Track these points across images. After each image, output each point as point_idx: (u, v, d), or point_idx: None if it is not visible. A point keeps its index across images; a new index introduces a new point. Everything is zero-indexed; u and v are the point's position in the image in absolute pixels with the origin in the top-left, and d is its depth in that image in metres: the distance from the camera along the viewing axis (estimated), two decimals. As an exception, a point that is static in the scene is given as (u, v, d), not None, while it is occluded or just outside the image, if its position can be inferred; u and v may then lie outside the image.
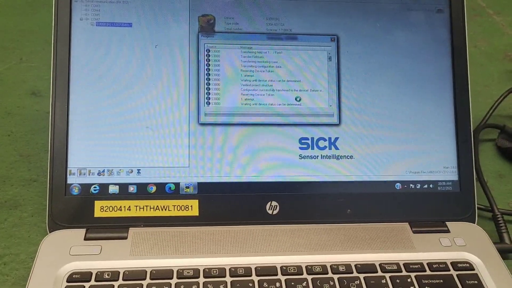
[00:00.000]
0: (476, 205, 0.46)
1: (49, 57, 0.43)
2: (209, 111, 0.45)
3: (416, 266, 0.41)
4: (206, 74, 0.45)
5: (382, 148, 0.46)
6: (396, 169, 0.46)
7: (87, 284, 0.38)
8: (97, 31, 0.44)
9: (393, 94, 0.47)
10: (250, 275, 0.39)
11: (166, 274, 0.39)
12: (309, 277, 0.39)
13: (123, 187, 0.43)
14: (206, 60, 0.45)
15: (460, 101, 0.47)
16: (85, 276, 0.38)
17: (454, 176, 0.46)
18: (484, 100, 0.63)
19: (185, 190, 0.43)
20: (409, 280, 0.40)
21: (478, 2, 0.86)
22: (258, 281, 0.39)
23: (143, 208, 0.43)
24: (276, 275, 0.39)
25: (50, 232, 0.41)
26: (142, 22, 0.44)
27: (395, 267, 0.40)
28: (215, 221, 0.43)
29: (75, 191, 0.43)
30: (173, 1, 0.45)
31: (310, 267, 0.40)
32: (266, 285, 0.38)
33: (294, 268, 0.40)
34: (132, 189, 0.43)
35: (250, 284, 0.38)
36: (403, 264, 0.41)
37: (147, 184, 0.43)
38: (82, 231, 0.41)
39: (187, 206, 0.43)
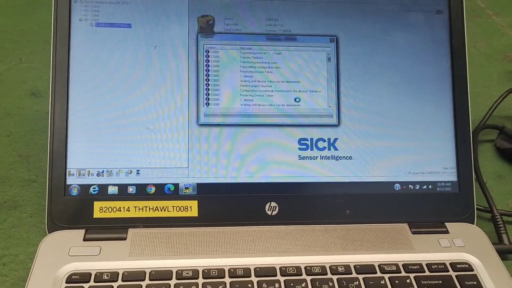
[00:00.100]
0: (475, 206, 0.46)
1: (48, 58, 0.43)
2: (208, 112, 0.45)
3: (415, 267, 0.41)
4: (206, 75, 0.45)
5: (381, 148, 0.46)
6: (395, 170, 0.46)
7: (86, 285, 0.38)
8: (96, 32, 0.44)
9: (393, 95, 0.47)
10: (249, 276, 0.39)
11: (165, 275, 0.39)
12: (308, 278, 0.39)
13: (122, 187, 0.43)
14: (206, 61, 0.45)
15: (459, 102, 0.47)
16: (84, 277, 0.38)
17: (453, 177, 0.46)
18: (484, 101, 0.63)
19: (184, 191, 0.43)
20: (408, 281, 0.40)
21: (478, 3, 0.87)
22: (257, 282, 0.39)
23: (142, 209, 0.43)
24: (275, 276, 0.39)
25: (49, 233, 0.41)
26: (142, 23, 0.44)
27: (394, 268, 0.41)
28: (214, 222, 0.43)
29: (74, 191, 0.43)
30: (172, 2, 0.45)
31: (309, 268, 0.40)
32: (265, 286, 0.38)
33: (293, 269, 0.40)
34: (131, 189, 0.43)
35: (249, 285, 0.38)
36: (402, 265, 0.41)
37: (146, 185, 0.43)
38: (81, 232, 0.41)
39: (186, 207, 0.43)
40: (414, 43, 0.47)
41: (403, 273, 0.40)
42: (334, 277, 0.39)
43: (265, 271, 0.39)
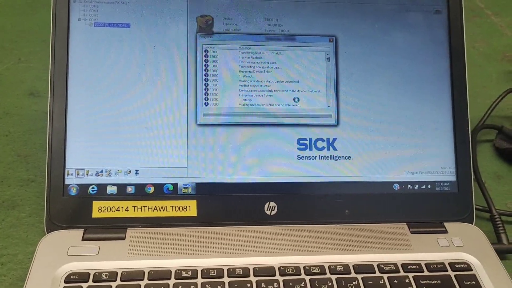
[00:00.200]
0: (474, 206, 0.46)
1: (47, 58, 0.43)
2: (207, 112, 0.45)
3: (414, 267, 0.41)
4: (205, 75, 0.45)
5: (380, 148, 0.46)
6: (394, 169, 0.46)
7: (85, 285, 0.37)
8: (95, 32, 0.44)
9: (391, 95, 0.47)
10: (248, 276, 0.39)
11: (164, 274, 0.39)
12: (307, 278, 0.39)
13: (121, 187, 0.43)
14: (205, 61, 0.45)
15: (458, 102, 0.47)
16: (83, 276, 0.38)
17: (452, 177, 0.46)
18: (482, 101, 0.63)
19: (183, 191, 0.43)
20: (407, 280, 0.40)
21: (477, 3, 0.87)
22: (256, 281, 0.39)
23: (141, 208, 0.43)
24: (274, 275, 0.39)
25: (48, 233, 0.41)
26: (141, 23, 0.44)
27: (393, 268, 0.41)
28: (213, 221, 0.43)
29: (73, 191, 0.43)
30: (171, 1, 0.45)
31: (308, 268, 0.40)
32: (264, 286, 0.38)
33: (292, 269, 0.40)
34: (130, 189, 0.43)
35: (248, 285, 0.38)
36: (401, 265, 0.41)
37: (145, 184, 0.43)
38: (80, 232, 0.41)
39: (185, 207, 0.43)
40: (413, 43, 0.47)
41: (402, 273, 0.40)
42: (333, 277, 0.39)
43: (264, 271, 0.39)
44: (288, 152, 0.45)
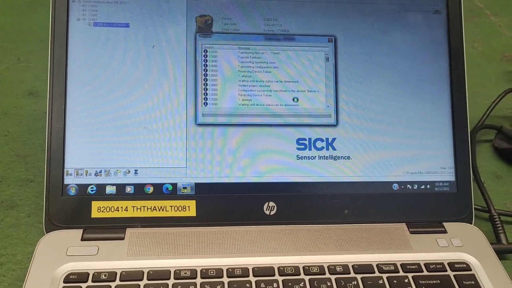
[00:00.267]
0: (473, 206, 0.46)
1: (46, 57, 0.43)
2: (206, 112, 0.44)
3: (413, 267, 0.41)
4: (204, 75, 0.45)
5: (379, 148, 0.46)
6: (393, 169, 0.46)
7: (84, 285, 0.37)
8: (94, 31, 0.44)
9: (391, 95, 0.47)
10: (248, 276, 0.39)
11: (163, 274, 0.38)
12: (307, 278, 0.39)
13: (120, 187, 0.43)
14: (204, 61, 0.45)
15: (457, 102, 0.47)
16: (82, 276, 0.38)
17: (451, 177, 0.46)
18: (482, 101, 0.63)
19: (182, 191, 0.43)
20: (406, 280, 0.40)
21: (476, 3, 0.87)
22: (256, 281, 0.38)
23: (140, 208, 0.43)
24: (274, 275, 0.39)
25: (47, 233, 0.41)
26: (140, 23, 0.44)
27: (392, 268, 0.41)
28: (212, 221, 0.43)
29: (72, 191, 0.43)
30: (170, 1, 0.45)
31: (307, 268, 0.40)
32: (264, 286, 0.38)
33: (291, 269, 0.40)
34: (129, 189, 0.43)
35: (248, 285, 0.38)
36: (400, 265, 0.41)
37: (144, 184, 0.43)
38: (79, 232, 0.41)
39: (184, 207, 0.43)
40: (412, 43, 0.47)
41: (401, 273, 0.40)
42: (332, 277, 0.39)
43: (263, 271, 0.39)
44: (287, 152, 0.45)
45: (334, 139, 0.46)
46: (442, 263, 0.41)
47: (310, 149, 0.45)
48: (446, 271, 0.41)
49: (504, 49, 0.76)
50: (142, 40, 0.44)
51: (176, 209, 0.43)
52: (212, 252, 0.41)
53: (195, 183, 0.44)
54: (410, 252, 0.42)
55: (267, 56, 0.46)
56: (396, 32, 0.47)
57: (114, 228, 0.42)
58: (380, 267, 0.40)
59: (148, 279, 0.38)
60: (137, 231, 0.42)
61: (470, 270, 0.41)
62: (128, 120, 0.43)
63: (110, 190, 0.43)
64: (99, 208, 0.42)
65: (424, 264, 0.41)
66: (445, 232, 0.44)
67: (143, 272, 0.38)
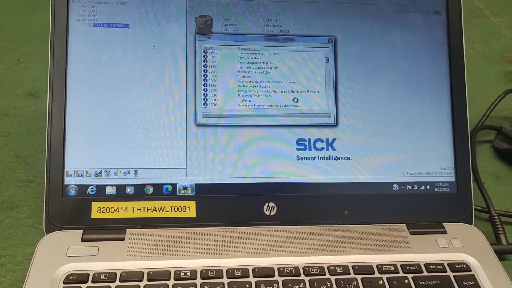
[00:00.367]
0: (473, 206, 0.46)
1: (46, 58, 0.43)
2: (206, 112, 0.45)
3: (413, 268, 0.41)
4: (204, 75, 0.45)
5: (379, 149, 0.46)
6: (393, 170, 0.46)
7: (84, 286, 0.37)
8: (94, 32, 0.44)
9: (390, 96, 0.47)
10: (247, 276, 0.39)
11: (163, 275, 0.38)
12: (306, 278, 0.39)
13: (120, 188, 0.43)
14: (204, 61, 0.45)
15: (457, 103, 0.47)
16: (82, 277, 0.38)
17: (451, 178, 0.46)
18: (481, 102, 0.63)
19: (182, 191, 0.43)
20: (406, 281, 0.40)
21: (476, 4, 0.87)
22: (255, 282, 0.38)
23: (140, 209, 0.43)
24: (273, 276, 0.39)
25: (47, 233, 0.41)
26: (139, 23, 0.44)
27: (392, 269, 0.41)
28: (212, 222, 0.43)
29: (72, 192, 0.42)
30: (170, 2, 0.45)
31: (307, 268, 0.40)
32: (264, 286, 0.38)
33: (291, 269, 0.40)
34: (129, 190, 0.43)
35: (247, 286, 0.38)
36: (400, 266, 0.41)
37: (144, 185, 0.43)
38: (79, 232, 0.41)
39: (184, 207, 0.43)
40: (412, 43, 0.47)
41: (401, 274, 0.40)
42: (332, 278, 0.39)
43: (263, 272, 0.39)
44: (287, 152, 0.45)
45: (334, 140, 0.46)
46: (442, 264, 0.41)
47: (310, 150, 0.45)
48: (446, 271, 0.41)
49: (504, 49, 0.76)
50: (142, 41, 0.44)
51: (176, 210, 0.43)
52: (212, 253, 0.41)
53: (195, 184, 0.44)
54: (410, 253, 0.42)
55: (267, 57, 0.46)
56: (396, 32, 0.47)
57: (114, 229, 0.42)
58: (380, 268, 0.40)
59: (148, 280, 0.38)
60: (137, 231, 0.42)
61: (470, 270, 0.41)
62: (128, 121, 0.43)
63: (110, 190, 0.43)
64: (99, 208, 0.42)
65: (424, 265, 0.41)
66: (445, 232, 0.44)
67: (143, 273, 0.38)
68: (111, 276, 0.38)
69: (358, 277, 0.40)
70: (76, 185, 0.43)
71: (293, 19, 0.46)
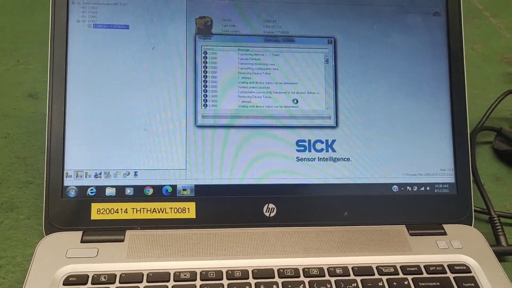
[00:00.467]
0: (473, 208, 0.46)
1: (46, 59, 0.43)
2: (206, 114, 0.44)
3: (413, 269, 0.41)
4: (203, 76, 0.45)
5: (379, 150, 0.46)
6: (393, 171, 0.46)
7: (83, 287, 0.37)
8: (94, 33, 0.44)
9: (390, 97, 0.47)
10: (247, 278, 0.39)
11: (162, 276, 0.38)
12: (306, 280, 0.39)
13: (120, 189, 0.43)
14: (203, 62, 0.45)
15: (457, 104, 0.47)
16: (81, 279, 0.38)
17: (451, 179, 0.46)
18: (481, 103, 0.63)
19: (182, 193, 0.43)
20: (406, 282, 0.40)
21: (475, 5, 0.87)
22: (255, 283, 0.38)
23: (140, 210, 0.43)
24: (273, 277, 0.39)
25: (46, 235, 0.41)
26: (139, 24, 0.44)
27: (392, 270, 0.40)
28: (212, 223, 0.43)
29: (72, 193, 0.42)
30: (170, 3, 0.45)
31: (307, 270, 0.40)
32: (263, 288, 0.38)
33: (291, 271, 0.40)
34: (129, 191, 0.43)
35: (247, 287, 0.38)
36: (400, 267, 0.41)
37: (144, 186, 0.43)
38: (79, 234, 0.41)
39: (184, 209, 0.43)
40: (412, 44, 0.47)
41: (401, 275, 0.40)
42: (332, 279, 0.39)
43: (263, 273, 0.39)
44: (287, 153, 0.45)
45: (333, 141, 0.46)
46: (442, 265, 0.41)
47: (309, 151, 0.45)
48: (446, 273, 0.41)
49: (503, 50, 0.76)
50: (142, 42, 0.44)
51: (175, 211, 0.43)
52: (211, 254, 0.41)
53: (195, 185, 0.44)
54: (410, 254, 0.42)
55: (267, 58, 0.46)
56: (396, 33, 0.47)
57: (114, 230, 0.42)
58: (380, 269, 0.40)
59: (148, 281, 0.38)
60: (137, 233, 0.42)
61: (470, 272, 0.41)
62: (127, 122, 0.43)
63: (109, 192, 0.43)
64: (98, 210, 0.42)
65: (424, 266, 0.41)
66: (445, 234, 0.44)
67: (143, 274, 0.38)
68: (111, 278, 0.38)
69: (358, 278, 0.40)
70: (75, 186, 0.42)
71: (293, 20, 0.46)
